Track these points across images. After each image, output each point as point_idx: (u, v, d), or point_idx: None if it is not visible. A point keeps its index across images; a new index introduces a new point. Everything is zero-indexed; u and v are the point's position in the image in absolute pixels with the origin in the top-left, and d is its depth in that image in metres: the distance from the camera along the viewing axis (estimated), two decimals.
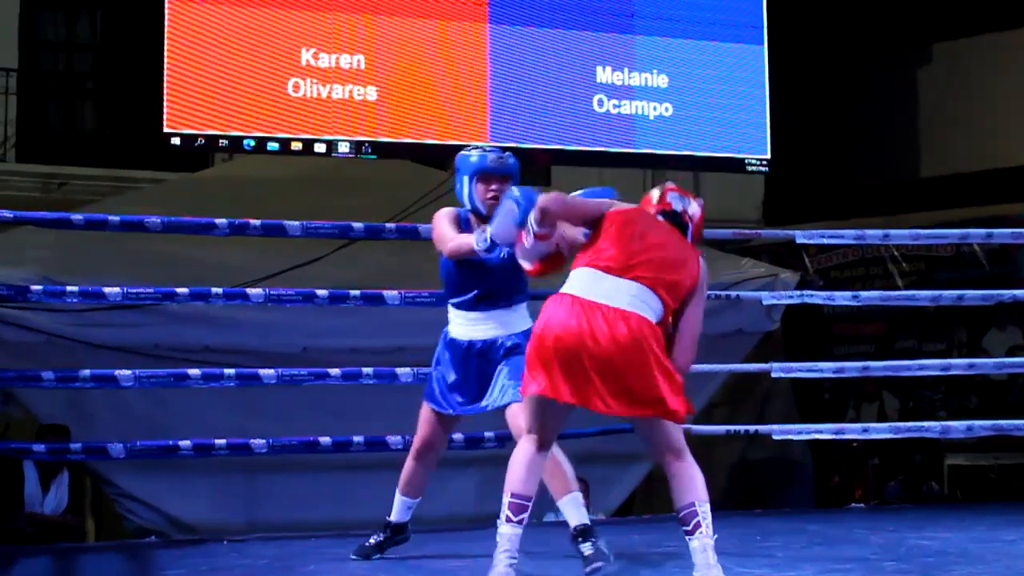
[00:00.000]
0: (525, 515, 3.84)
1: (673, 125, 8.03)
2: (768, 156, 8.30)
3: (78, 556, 5.30)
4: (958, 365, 7.07)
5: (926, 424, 7.09)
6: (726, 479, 9.58)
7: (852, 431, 6.98)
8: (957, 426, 6.77)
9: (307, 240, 6.61)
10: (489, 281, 4.47)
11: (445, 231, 4.49)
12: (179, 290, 5.70)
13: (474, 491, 7.61)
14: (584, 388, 3.78)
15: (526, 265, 4.14)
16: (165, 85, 7.29)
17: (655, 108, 8.03)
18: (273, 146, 7.39)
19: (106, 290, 5.59)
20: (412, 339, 7.29)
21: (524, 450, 3.92)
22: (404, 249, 7.28)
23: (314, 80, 7.46)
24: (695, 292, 3.95)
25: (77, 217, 5.82)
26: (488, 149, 4.62)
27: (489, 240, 4.22)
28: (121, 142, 11.75)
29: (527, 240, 3.99)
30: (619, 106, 7.98)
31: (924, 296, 7.06)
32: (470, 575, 4.52)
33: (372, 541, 4.82)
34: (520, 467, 3.88)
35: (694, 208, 4.07)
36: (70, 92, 12.51)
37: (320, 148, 7.43)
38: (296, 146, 7.42)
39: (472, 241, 4.32)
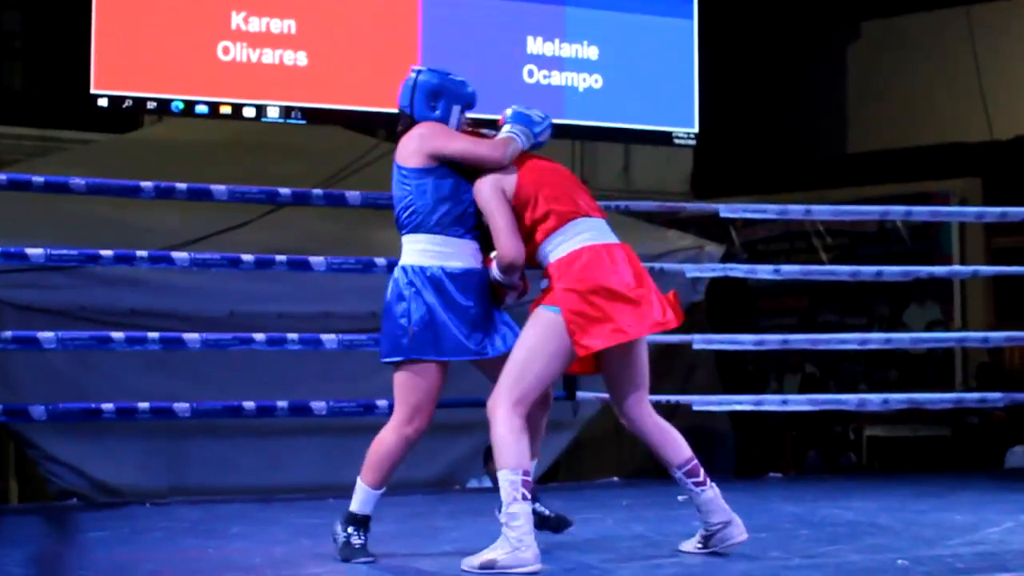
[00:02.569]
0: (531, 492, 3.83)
1: (602, 97, 8.06)
2: (696, 130, 8.37)
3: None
4: (876, 339, 7.21)
5: (843, 397, 7.26)
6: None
7: (771, 403, 7.09)
8: (874, 399, 6.92)
9: (235, 205, 6.62)
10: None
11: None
12: (103, 252, 5.68)
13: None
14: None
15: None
16: (93, 45, 7.21)
17: (584, 80, 8.06)
18: (202, 109, 7.34)
19: (29, 251, 5.56)
20: (339, 305, 7.33)
21: (517, 425, 3.84)
22: (332, 215, 7.30)
23: (244, 44, 7.41)
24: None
25: (1, 177, 5.78)
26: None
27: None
28: (49, 102, 11.60)
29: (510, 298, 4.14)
30: (549, 77, 8.01)
31: (843, 271, 7.20)
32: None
33: (357, 543, 4.08)
34: (520, 441, 3.83)
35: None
36: None
37: (249, 112, 7.38)
38: (225, 110, 7.37)
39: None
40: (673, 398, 6.83)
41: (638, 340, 4.00)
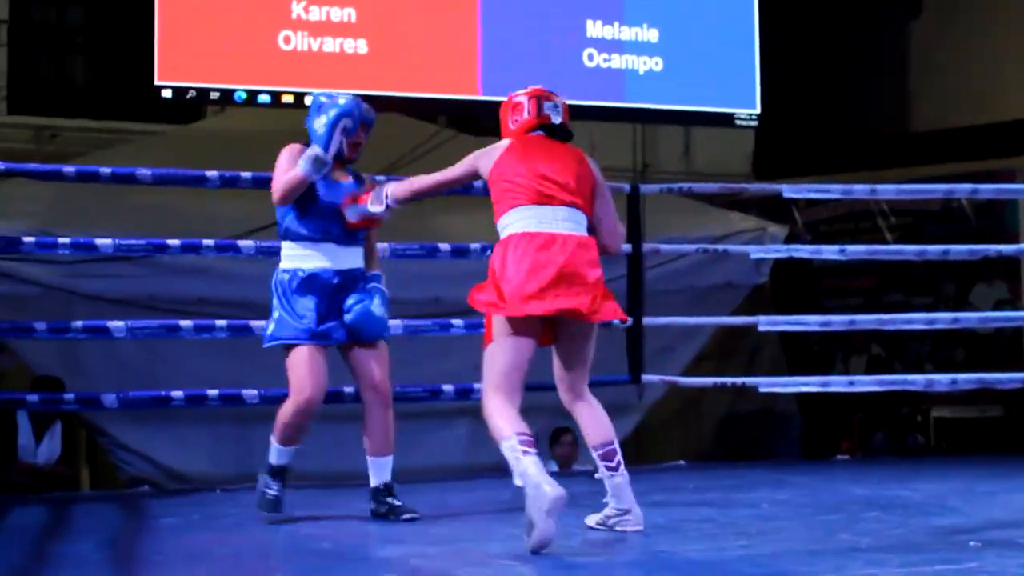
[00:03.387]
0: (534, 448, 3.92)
1: (663, 80, 8.04)
2: (757, 110, 8.33)
3: (72, 505, 5.37)
4: (943, 319, 7.14)
5: (911, 377, 7.19)
6: (713, 431, 9.67)
7: (838, 384, 7.05)
8: (941, 379, 6.86)
9: None
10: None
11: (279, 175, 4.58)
12: (170, 242, 5.76)
13: (464, 442, 7.69)
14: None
15: (351, 218, 4.51)
16: (156, 36, 7.29)
17: (645, 63, 8.04)
18: (264, 98, 7.41)
19: (98, 242, 5.65)
20: (402, 291, 7.35)
21: (501, 401, 4.03)
22: None
23: (305, 33, 7.46)
24: (598, 187, 4.34)
25: (69, 169, 5.87)
26: (352, 96, 4.72)
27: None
28: (113, 94, 11.74)
29: (377, 207, 4.45)
30: (609, 60, 8.00)
31: (910, 251, 7.13)
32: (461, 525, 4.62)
33: (271, 494, 4.64)
34: (509, 410, 4.01)
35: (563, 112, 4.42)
36: (62, 45, 12.49)
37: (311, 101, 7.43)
38: (287, 99, 7.43)
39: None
40: (740, 380, 6.82)
41: (586, 325, 4.19)
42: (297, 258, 4.59)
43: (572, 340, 4.24)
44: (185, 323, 5.82)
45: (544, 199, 4.19)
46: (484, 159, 4.33)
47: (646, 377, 6.70)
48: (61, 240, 5.75)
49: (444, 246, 6.28)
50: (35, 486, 6.34)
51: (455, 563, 3.74)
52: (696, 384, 7.20)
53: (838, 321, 6.92)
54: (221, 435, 7.13)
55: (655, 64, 8.06)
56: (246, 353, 6.89)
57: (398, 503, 4.62)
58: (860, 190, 6.81)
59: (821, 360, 10.84)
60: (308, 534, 4.44)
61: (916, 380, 7.02)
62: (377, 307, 4.64)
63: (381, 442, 4.65)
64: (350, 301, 4.59)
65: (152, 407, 6.15)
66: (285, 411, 4.54)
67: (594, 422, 4.26)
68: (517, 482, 3.83)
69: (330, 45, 7.48)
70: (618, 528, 4.20)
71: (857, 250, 7.16)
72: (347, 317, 4.57)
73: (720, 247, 7.34)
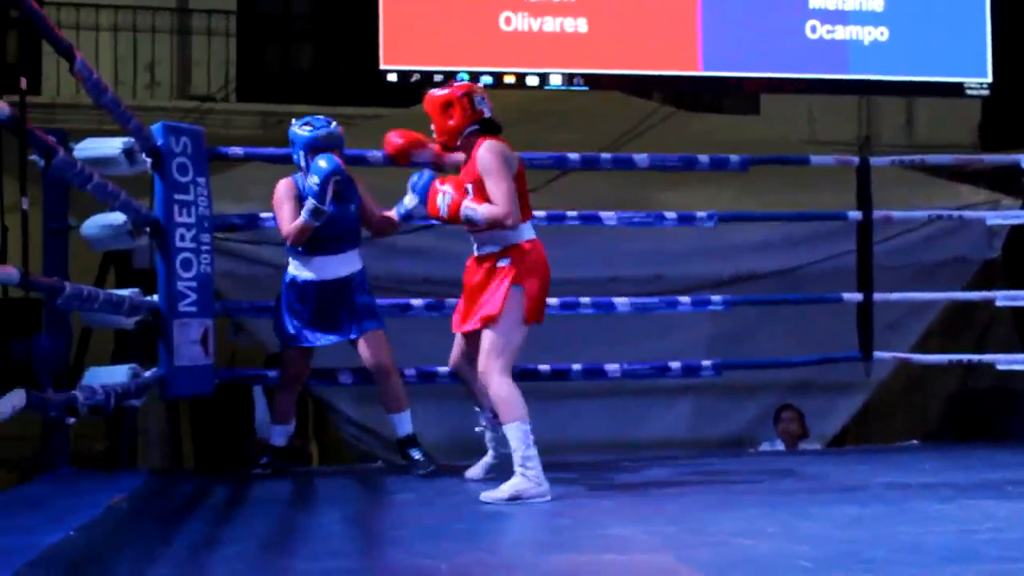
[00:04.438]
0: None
1: (889, 50, 7.83)
2: (989, 79, 8.03)
3: (309, 480, 5.53)
4: None
5: None
6: (940, 410, 9.39)
7: None
8: None
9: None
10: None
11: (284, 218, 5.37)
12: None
13: (687, 418, 7.66)
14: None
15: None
16: (381, 22, 7.43)
17: (870, 33, 7.84)
18: (486, 80, 7.48)
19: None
20: (624, 269, 7.37)
21: (510, 384, 4.61)
22: (614, 180, 7.33)
23: (525, 13, 7.51)
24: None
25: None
26: (316, 124, 5.36)
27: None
28: (336, 80, 12.04)
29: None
30: (832, 32, 7.82)
31: None
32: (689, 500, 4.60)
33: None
34: (519, 398, 4.59)
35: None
36: (287, 33, 12.86)
37: (532, 81, 7.49)
38: (509, 79, 7.50)
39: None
40: (976, 357, 6.60)
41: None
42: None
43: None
44: (416, 302, 5.98)
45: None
46: (513, 161, 4.73)
47: (877, 354, 6.53)
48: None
49: (670, 214, 6.24)
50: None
51: (690, 541, 3.72)
52: (930, 361, 6.99)
53: None
54: (448, 411, 7.23)
55: (880, 34, 7.85)
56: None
57: (417, 457, 5.35)
58: None
59: None
60: (543, 510, 4.48)
61: None
62: None
63: (394, 402, 5.44)
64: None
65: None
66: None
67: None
68: (516, 461, 4.50)
69: (550, 25, 7.51)
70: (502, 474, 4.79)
71: None
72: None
73: (954, 213, 7.10)
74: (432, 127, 4.88)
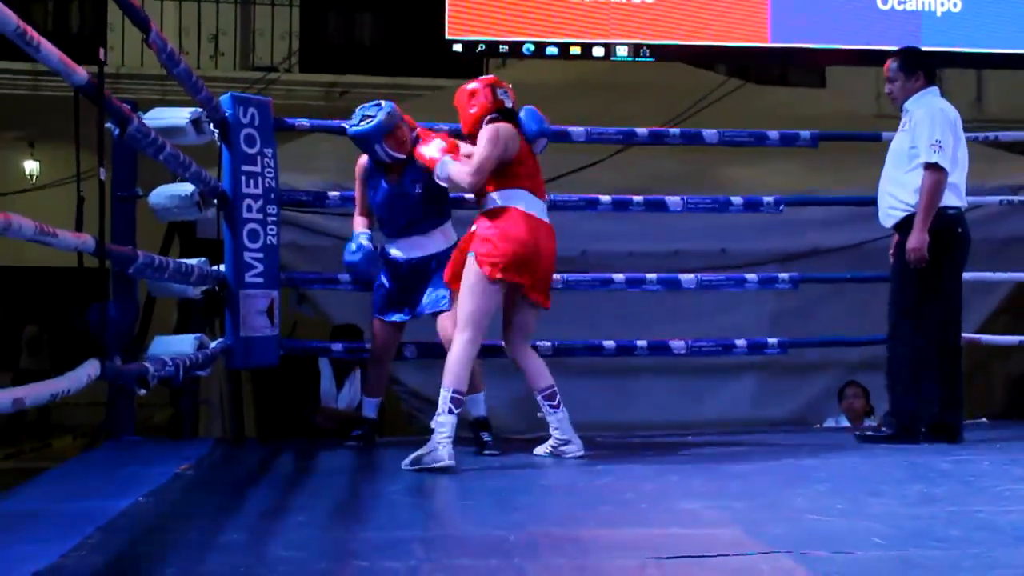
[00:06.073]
0: (462, 408, 4.83)
1: (963, 21, 7.67)
2: None
3: (374, 450, 5.54)
4: None
5: None
6: (1005, 391, 9.26)
7: None
8: None
9: (583, 145, 6.67)
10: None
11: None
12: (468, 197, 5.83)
13: (750, 396, 7.61)
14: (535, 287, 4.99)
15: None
16: None
17: (943, 4, 7.69)
18: (552, 50, 7.42)
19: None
20: (689, 243, 7.31)
21: (467, 351, 4.83)
22: (679, 153, 7.27)
23: None
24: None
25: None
26: (362, 115, 5.38)
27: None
28: (399, 51, 12.03)
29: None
30: (904, 2, 7.68)
31: None
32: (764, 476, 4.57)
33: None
34: (462, 366, 4.81)
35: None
36: (350, 4, 12.86)
37: (598, 52, 7.41)
38: (575, 50, 7.42)
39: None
40: None
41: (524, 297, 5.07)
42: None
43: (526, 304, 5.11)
44: (618, 277, 6.14)
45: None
46: (512, 143, 4.95)
47: None
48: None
49: (736, 199, 6.18)
50: (338, 431, 6.56)
51: (760, 517, 3.69)
52: (999, 342, 6.90)
53: None
54: (512, 387, 7.21)
55: (953, 5, 7.70)
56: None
57: (487, 439, 5.37)
58: None
59: None
60: (607, 483, 4.47)
61: None
62: None
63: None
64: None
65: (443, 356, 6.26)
66: None
67: (538, 370, 5.08)
68: (432, 424, 4.75)
69: None
70: (564, 456, 5.04)
71: None
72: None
73: (1020, 198, 7.01)
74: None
